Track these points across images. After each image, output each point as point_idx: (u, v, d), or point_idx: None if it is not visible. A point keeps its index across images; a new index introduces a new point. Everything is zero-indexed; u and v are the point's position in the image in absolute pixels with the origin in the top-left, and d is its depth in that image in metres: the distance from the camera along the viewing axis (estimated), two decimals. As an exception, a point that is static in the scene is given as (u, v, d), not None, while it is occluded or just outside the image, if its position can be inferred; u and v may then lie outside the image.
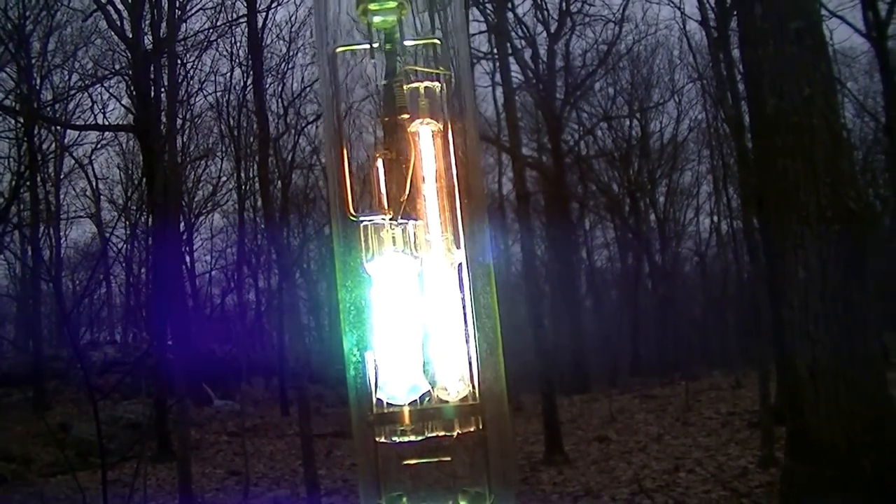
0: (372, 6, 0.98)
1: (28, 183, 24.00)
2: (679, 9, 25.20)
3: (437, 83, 1.00)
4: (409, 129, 1.00)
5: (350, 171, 0.96)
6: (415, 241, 0.98)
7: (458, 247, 0.99)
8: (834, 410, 6.73)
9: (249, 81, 24.66)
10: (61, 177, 28.70)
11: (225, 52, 26.03)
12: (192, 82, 25.04)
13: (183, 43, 21.98)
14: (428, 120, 1.00)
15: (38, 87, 24.59)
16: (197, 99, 26.41)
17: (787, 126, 7.03)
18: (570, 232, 26.67)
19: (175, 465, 12.21)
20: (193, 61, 24.51)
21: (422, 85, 0.99)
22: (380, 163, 0.99)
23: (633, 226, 30.34)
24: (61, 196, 29.46)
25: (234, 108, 26.54)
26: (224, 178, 30.54)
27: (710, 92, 23.73)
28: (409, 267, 0.98)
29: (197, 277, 31.91)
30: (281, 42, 27.17)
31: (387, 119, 1.02)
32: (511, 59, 20.33)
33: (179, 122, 22.11)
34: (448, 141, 1.00)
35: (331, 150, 0.98)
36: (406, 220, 0.97)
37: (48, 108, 25.22)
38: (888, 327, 20.89)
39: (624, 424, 16.57)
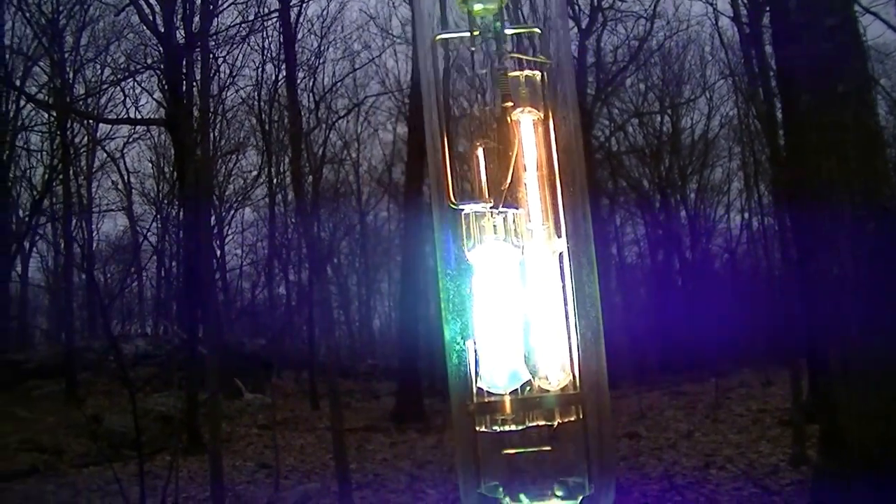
0: (473, -6, 0.98)
1: (61, 176, 24.12)
2: (711, 4, 24.96)
3: (537, 72, 1.00)
4: (510, 118, 1.00)
5: (451, 160, 0.96)
6: (516, 230, 0.98)
7: (560, 236, 0.99)
8: (865, 410, 6.70)
9: (281, 76, 24.74)
10: (93, 170, 28.86)
11: (257, 47, 26.10)
12: (223, 77, 25.14)
13: (215, 38, 22.04)
14: (529, 109, 1.00)
15: (71, 82, 24.74)
16: (228, 93, 26.50)
17: (821, 123, 6.99)
18: (600, 228, 26.60)
19: (206, 458, 12.25)
20: (225, 56, 24.60)
21: (522, 74, 0.99)
22: (480, 151, 0.99)
23: (663, 222, 30.26)
24: (93, 189, 29.64)
25: (266, 102, 26.61)
26: (255, 173, 30.65)
27: (741, 88, 23.66)
28: (511, 255, 0.98)
29: (228, 272, 32.02)
30: (312, 37, 27.21)
31: (488, 108, 1.02)
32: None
33: (211, 116, 22.14)
34: (549, 130, 1.00)
35: (433, 138, 0.98)
36: (507, 209, 0.97)
37: (81, 103, 25.36)
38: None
39: (653, 421, 16.53)
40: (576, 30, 26.28)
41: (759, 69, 17.18)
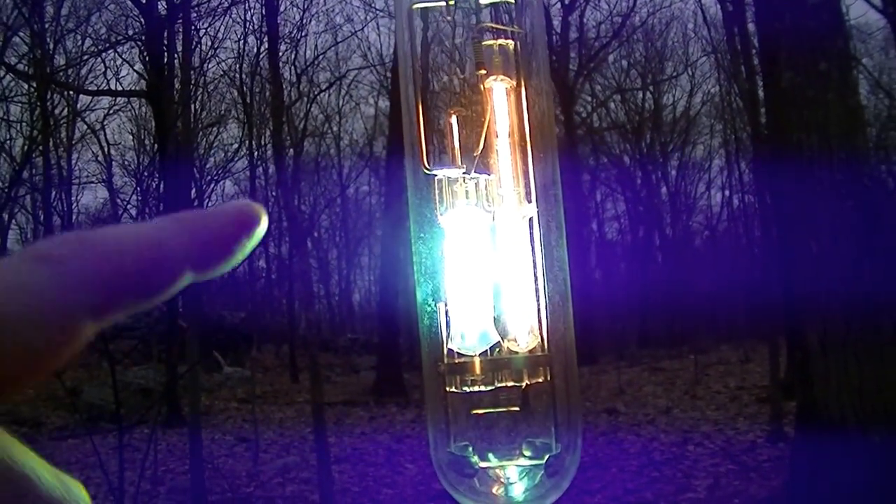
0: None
1: (41, 147, 24.06)
2: (695, -19, 25.08)
3: (510, 41, 1.01)
4: (483, 86, 1.01)
5: (425, 126, 0.98)
6: (487, 195, 0.99)
7: (530, 201, 1.01)
8: (844, 384, 6.76)
9: (263, 49, 24.66)
10: (73, 142, 28.74)
11: (238, 19, 26.01)
12: (205, 49, 25.05)
13: (196, 9, 21.95)
14: (502, 77, 1.01)
15: (51, 52, 24.63)
16: (210, 66, 26.41)
17: (803, 100, 7.04)
18: (581, 203, 26.65)
19: (185, 431, 12.26)
20: (207, 28, 24.51)
21: (496, 43, 1.01)
22: (454, 119, 1.00)
23: (644, 198, 30.33)
24: (73, 161, 29.53)
25: (248, 75, 26.54)
26: (235, 145, 30.59)
27: (724, 65, 23.71)
28: (482, 220, 1.00)
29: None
30: (295, 9, 27.13)
31: (462, 77, 1.04)
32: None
33: (192, 88, 22.08)
34: (521, 98, 1.02)
35: (407, 104, 0.99)
36: (479, 174, 0.99)
37: (61, 73, 25.26)
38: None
39: (632, 397, 16.62)
40: (559, 5, 26.29)
41: (741, 46, 17.25)
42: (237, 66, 26.91)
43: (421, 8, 1.01)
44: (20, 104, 25.97)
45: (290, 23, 26.59)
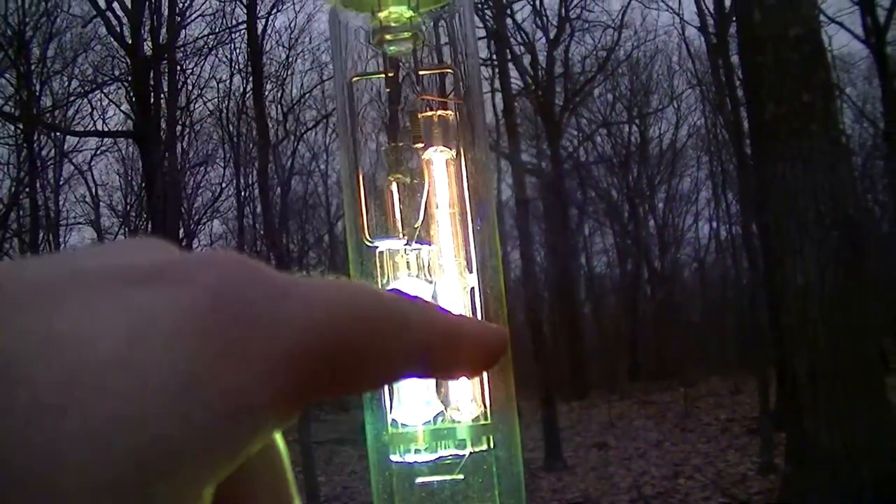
0: (388, 36, 1.01)
1: (27, 189, 24.03)
2: (678, 14, 25.15)
3: (450, 112, 1.02)
4: (422, 157, 1.02)
5: (366, 197, 0.99)
6: (429, 266, 1.00)
7: (471, 271, 1.01)
8: (833, 417, 6.77)
9: (249, 88, 24.69)
10: (61, 183, 28.68)
11: (224, 59, 26.06)
12: (191, 88, 25.08)
13: (182, 49, 22.02)
14: (442, 148, 1.02)
15: (37, 93, 24.62)
16: (196, 105, 26.43)
17: (787, 131, 7.08)
18: (569, 238, 26.67)
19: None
20: (193, 67, 24.56)
21: (435, 114, 1.01)
22: (394, 187, 1.01)
23: (632, 231, 30.35)
24: (61, 202, 29.47)
25: (234, 114, 26.53)
26: (224, 185, 30.57)
27: (709, 98, 23.81)
28: (424, 291, 1.00)
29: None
30: (280, 48, 27.20)
31: (401, 146, 1.04)
32: (510, 66, 20.33)
33: (179, 128, 22.11)
34: (461, 168, 1.03)
35: (349, 177, 1.00)
36: (420, 245, 0.99)
37: (48, 114, 25.24)
38: (888, 333, 20.93)
39: (623, 430, 16.60)
40: (544, 40, 26.40)
41: (725, 78, 17.33)
42: (223, 105, 26.96)
43: (360, 79, 1.02)
44: (7, 146, 25.98)
45: (276, 62, 26.68)
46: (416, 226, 0.98)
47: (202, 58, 24.54)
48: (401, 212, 0.98)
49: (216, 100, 27.29)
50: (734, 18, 11.58)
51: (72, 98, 25.76)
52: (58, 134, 26.03)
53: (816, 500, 6.89)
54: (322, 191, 34.20)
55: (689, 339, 26.29)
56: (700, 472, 11.69)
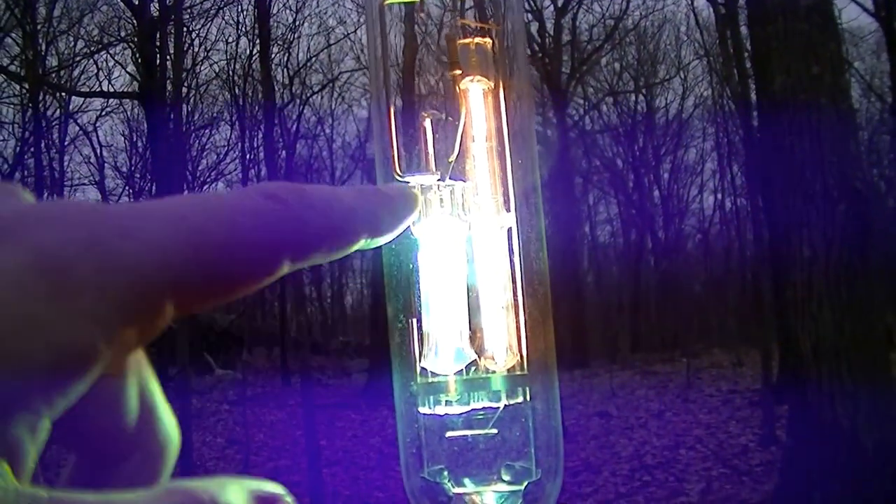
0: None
1: (32, 149, 24.00)
2: (687, -16, 25.07)
3: (488, 40, 0.96)
4: (458, 87, 0.96)
5: (396, 130, 0.93)
6: (463, 204, 0.94)
7: (508, 210, 0.96)
8: (836, 390, 6.74)
9: (255, 50, 24.60)
10: (65, 143, 28.67)
11: (231, 21, 25.97)
12: (197, 50, 25.01)
13: (189, 11, 21.93)
14: (479, 77, 0.96)
15: (43, 54, 24.55)
16: (202, 67, 26.36)
17: (795, 104, 7.01)
18: (573, 207, 26.62)
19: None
20: (199, 29, 24.48)
21: (472, 41, 0.96)
22: (427, 122, 0.95)
23: (636, 201, 30.32)
24: (65, 163, 29.46)
25: (240, 76, 26.45)
26: (228, 148, 30.55)
27: (716, 69, 23.73)
28: (458, 230, 0.94)
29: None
30: (287, 11, 27.09)
31: (436, 77, 0.99)
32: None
33: (184, 90, 22.04)
34: (499, 100, 0.97)
35: (378, 107, 0.94)
36: (454, 181, 0.94)
37: (53, 75, 25.20)
38: (892, 308, 20.91)
39: (624, 400, 16.58)
40: (552, 8, 26.27)
41: (733, 50, 17.26)
42: (229, 67, 26.89)
43: (393, 3, 0.97)
44: (12, 105, 25.95)
45: (283, 25, 26.58)
46: (450, 160, 0.93)
47: (209, 20, 24.49)
48: (435, 146, 0.93)
49: (222, 62, 27.25)
50: (743, -11, 11.50)
51: (77, 58, 25.78)
52: (63, 94, 26.03)
53: (818, 474, 6.86)
54: (327, 154, 34.16)
55: (691, 310, 26.28)
56: (701, 442, 11.69)
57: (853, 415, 6.67)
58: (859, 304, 6.82)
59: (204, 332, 21.60)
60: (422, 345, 0.92)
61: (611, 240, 36.33)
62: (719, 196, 30.64)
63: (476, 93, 0.96)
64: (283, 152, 24.55)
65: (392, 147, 0.90)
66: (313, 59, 29.11)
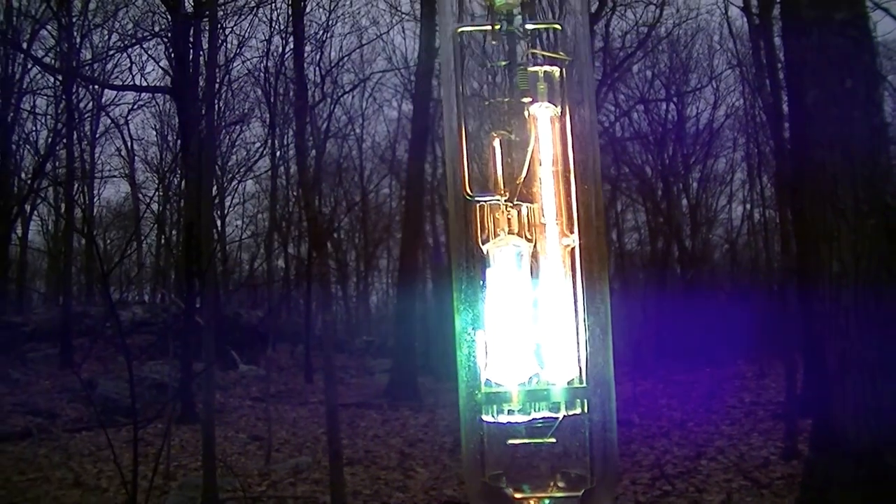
0: (496, -12, 0.99)
1: (64, 140, 24.14)
2: (722, -6, 25.03)
3: (556, 68, 1.00)
4: (528, 113, 1.00)
5: (468, 151, 0.96)
6: (529, 224, 0.98)
7: (572, 231, 1.00)
8: (861, 406, 6.71)
9: (288, 49, 24.69)
10: (97, 136, 28.84)
11: (265, 19, 26.08)
12: (230, 47, 25.12)
13: (223, 7, 22.03)
14: (547, 104, 1.00)
15: (77, 46, 24.69)
16: (235, 64, 26.47)
17: (827, 117, 6.99)
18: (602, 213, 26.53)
19: (198, 428, 12.29)
20: (233, 26, 24.58)
21: (541, 69, 0.99)
22: (497, 143, 0.99)
23: (664, 210, 30.23)
24: (96, 155, 29.63)
25: (272, 74, 26.53)
26: (258, 144, 30.64)
27: (748, 79, 23.67)
28: (524, 249, 0.98)
29: (228, 243, 32.11)
30: (321, 10, 27.19)
31: (506, 101, 1.03)
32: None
33: (217, 86, 22.13)
34: (565, 126, 1.00)
35: (450, 129, 0.98)
36: (521, 203, 0.98)
37: (87, 67, 25.33)
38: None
39: (647, 408, 16.54)
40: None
41: (766, 61, 17.20)
42: (262, 65, 26.99)
43: (466, 31, 1.00)
44: (46, 97, 26.13)
45: (316, 24, 26.66)
46: (518, 181, 0.97)
47: (243, 17, 24.58)
48: (503, 167, 0.97)
49: (255, 59, 27.34)
50: (779, 0, 11.46)
51: (111, 52, 25.87)
52: (96, 87, 26.14)
53: (840, 489, 6.85)
54: (356, 154, 34.22)
55: (716, 319, 26.18)
56: (723, 453, 11.65)
57: (877, 430, 6.66)
58: (888, 320, 6.80)
59: (229, 328, 21.68)
60: (487, 357, 0.96)
61: (638, 247, 36.27)
62: (748, 207, 30.57)
63: (544, 118, 1.00)
64: (313, 151, 24.61)
65: (462, 168, 0.94)
66: (345, 58, 29.18)
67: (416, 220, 21.89)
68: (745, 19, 20.84)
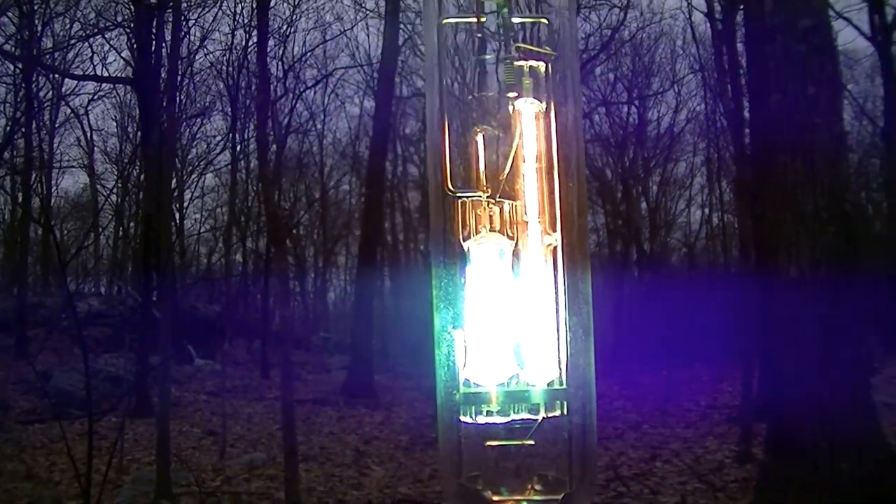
0: (482, -20, 0.97)
1: (23, 129, 23.97)
2: (685, -1, 25.12)
3: (542, 63, 0.98)
4: (512, 107, 0.99)
5: (449, 146, 0.95)
6: (511, 221, 0.97)
7: (554, 230, 0.98)
8: (816, 411, 6.76)
9: (251, 42, 24.60)
10: (56, 125, 28.65)
11: (228, 12, 25.97)
12: (193, 40, 24.99)
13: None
14: (532, 99, 0.98)
15: (38, 34, 24.49)
16: (197, 57, 26.35)
17: (789, 123, 7.04)
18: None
19: (153, 421, 12.21)
20: (196, 19, 24.47)
21: (527, 64, 0.98)
22: (480, 138, 0.98)
23: (623, 212, 30.32)
24: (55, 145, 29.44)
25: (234, 68, 26.43)
26: (219, 138, 30.52)
27: (710, 84, 23.77)
28: (505, 247, 0.97)
29: (186, 236, 31.98)
30: (285, 4, 27.09)
31: (489, 95, 1.01)
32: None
33: (178, 78, 22.03)
34: (550, 122, 0.99)
35: (433, 123, 0.97)
36: (504, 200, 0.96)
37: (48, 56, 25.14)
38: (874, 331, 20.97)
39: (602, 410, 16.55)
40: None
41: (728, 66, 17.30)
42: (225, 58, 26.87)
43: (450, 23, 0.98)
44: (4, 84, 25.91)
45: (280, 18, 26.56)
46: (501, 178, 0.95)
47: (206, 9, 24.47)
48: (486, 163, 0.95)
49: (217, 52, 27.22)
50: (742, 6, 11.52)
51: (72, 41, 25.67)
52: (56, 76, 25.96)
53: (795, 492, 6.89)
54: (317, 150, 34.15)
55: (674, 322, 26.30)
56: (678, 456, 11.69)
57: (832, 435, 6.71)
58: (844, 327, 6.85)
59: (186, 322, 21.57)
60: (466, 356, 0.94)
61: (596, 249, 36.36)
62: (706, 211, 30.74)
63: (529, 114, 0.99)
64: (274, 146, 24.53)
65: (445, 163, 0.92)
66: (308, 53, 29.10)
67: (376, 218, 21.86)
68: (708, 24, 20.96)
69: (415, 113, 30.10)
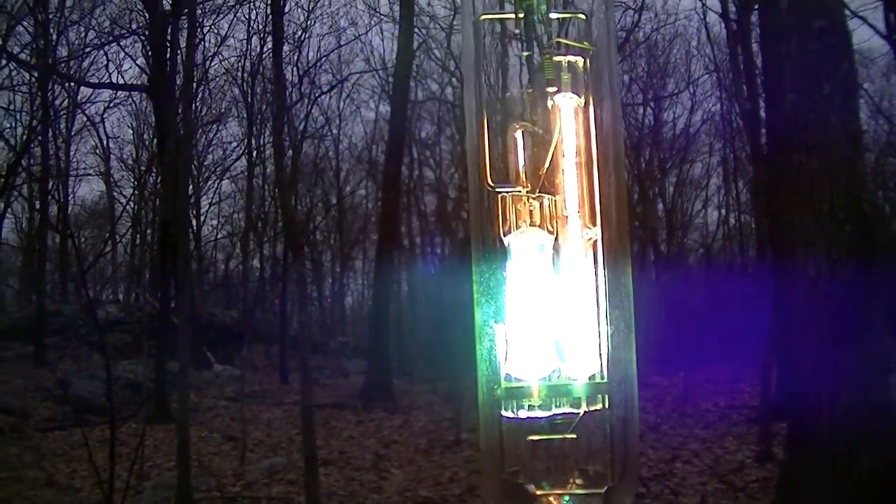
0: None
1: (40, 137, 24.04)
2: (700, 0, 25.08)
3: (580, 58, 0.98)
4: (551, 103, 0.99)
5: (489, 141, 0.95)
6: (551, 216, 0.97)
7: (594, 224, 0.98)
8: (835, 409, 6.73)
9: (266, 49, 24.64)
10: (73, 133, 28.75)
11: (243, 18, 26.02)
12: (208, 46, 25.05)
13: (201, 6, 21.97)
14: (571, 94, 0.98)
15: (54, 43, 24.58)
16: (212, 63, 26.40)
17: (805, 123, 7.01)
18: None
19: (173, 427, 12.23)
20: (211, 25, 24.52)
21: (565, 59, 0.98)
22: (519, 134, 0.98)
23: (640, 214, 30.29)
24: (72, 153, 29.55)
25: (250, 74, 26.47)
26: (234, 144, 30.59)
27: (725, 85, 23.73)
28: (545, 241, 0.97)
29: (203, 242, 32.04)
30: (299, 10, 27.12)
31: (530, 91, 1.01)
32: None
33: (194, 85, 22.06)
34: (589, 117, 0.99)
35: (472, 118, 0.96)
36: (543, 194, 0.96)
37: (63, 65, 25.23)
38: (892, 331, 20.88)
39: (621, 412, 16.53)
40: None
41: (743, 66, 17.26)
42: (240, 65, 26.91)
43: (488, 19, 0.98)
44: (21, 93, 26.00)
45: (295, 24, 26.61)
46: (540, 173, 0.95)
47: (221, 16, 24.52)
48: (525, 158, 0.95)
49: (233, 59, 27.28)
50: (756, 6, 11.48)
51: (88, 49, 25.78)
52: (72, 84, 26.05)
53: (815, 491, 6.86)
54: (333, 155, 34.20)
55: (691, 323, 26.24)
56: (698, 457, 11.66)
57: (851, 434, 6.68)
58: (862, 325, 6.82)
59: (204, 328, 21.61)
60: (507, 351, 0.94)
61: (612, 251, 36.31)
62: (723, 212, 30.68)
63: (568, 109, 0.98)
64: (290, 151, 24.56)
65: (484, 158, 0.92)
66: (323, 59, 29.15)
67: (392, 222, 21.86)
68: (722, 25, 20.92)
69: (430, 116, 30.14)
